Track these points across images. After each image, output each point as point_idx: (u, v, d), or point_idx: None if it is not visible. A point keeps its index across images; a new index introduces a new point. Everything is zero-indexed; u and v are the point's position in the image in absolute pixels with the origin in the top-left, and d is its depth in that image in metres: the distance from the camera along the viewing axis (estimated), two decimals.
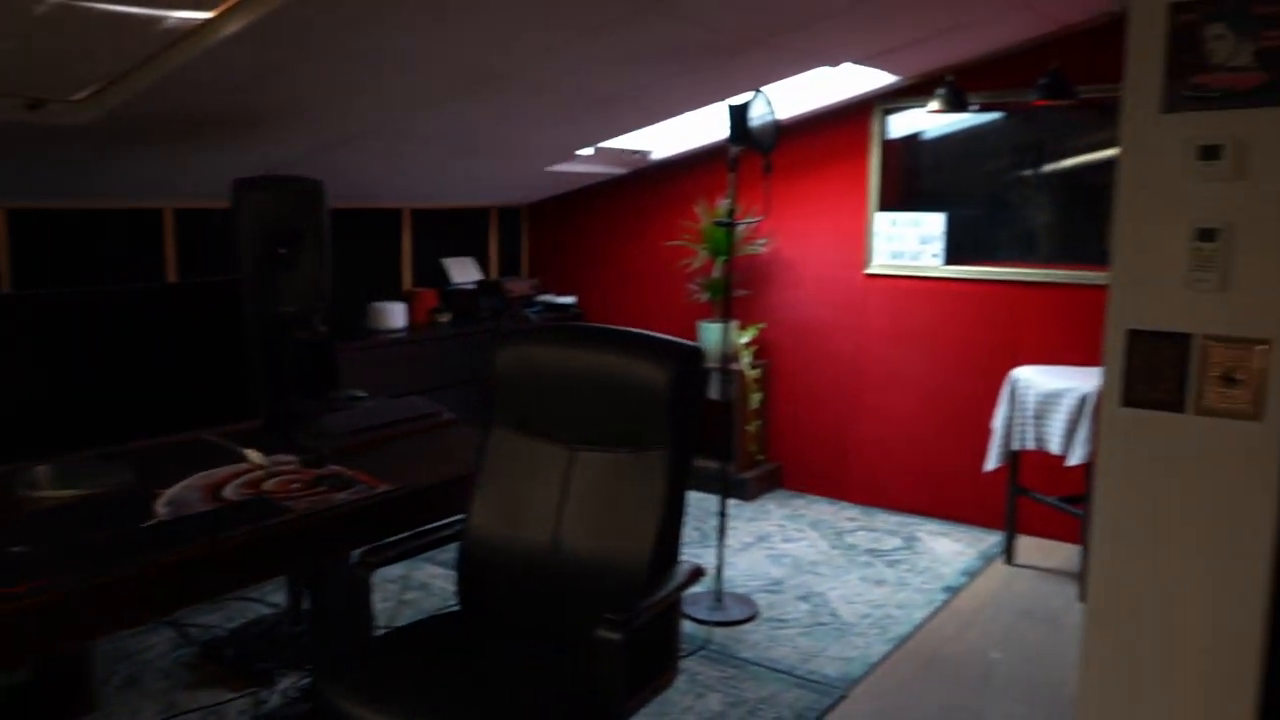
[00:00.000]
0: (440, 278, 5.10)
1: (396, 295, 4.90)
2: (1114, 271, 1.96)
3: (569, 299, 5.36)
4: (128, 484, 2.22)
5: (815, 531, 4.27)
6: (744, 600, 3.49)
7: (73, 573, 1.70)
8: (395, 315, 4.58)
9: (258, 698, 2.81)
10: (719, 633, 3.26)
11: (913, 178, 4.55)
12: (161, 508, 2.06)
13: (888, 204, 4.49)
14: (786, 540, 4.16)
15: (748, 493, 4.67)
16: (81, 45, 2.51)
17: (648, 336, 2.18)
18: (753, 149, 3.33)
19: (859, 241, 4.55)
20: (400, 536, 2.19)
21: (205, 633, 3.20)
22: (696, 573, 2.07)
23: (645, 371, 2.11)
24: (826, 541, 4.15)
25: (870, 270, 4.52)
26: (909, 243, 4.43)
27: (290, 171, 3.39)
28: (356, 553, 2.11)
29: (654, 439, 2.10)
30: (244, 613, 3.35)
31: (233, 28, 2.45)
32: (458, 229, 5.28)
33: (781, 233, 4.73)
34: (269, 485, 2.22)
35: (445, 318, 4.83)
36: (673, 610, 2.07)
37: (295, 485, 2.22)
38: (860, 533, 4.26)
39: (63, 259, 3.68)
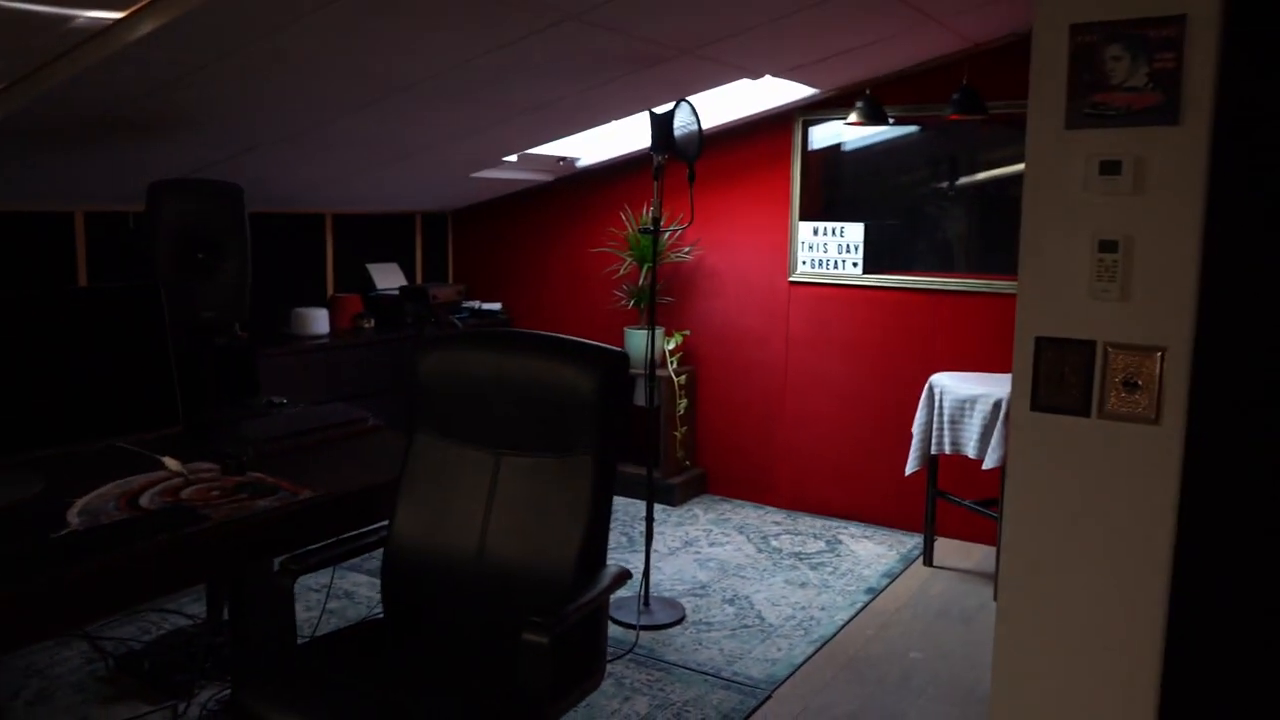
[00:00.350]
0: (365, 283, 5.05)
1: (319, 301, 4.85)
2: (1021, 281, 2.05)
3: (495, 305, 5.36)
4: (38, 493, 2.16)
5: (741, 535, 4.34)
6: (671, 604, 3.53)
7: None
8: (318, 321, 4.53)
9: (176, 711, 2.76)
10: (646, 636, 3.29)
11: (833, 188, 4.66)
12: (74, 517, 2.01)
13: (809, 213, 4.59)
14: (713, 544, 4.21)
15: (674, 498, 4.72)
16: None
17: (573, 342, 2.20)
18: (677, 157, 3.38)
19: (782, 250, 4.64)
20: (323, 544, 2.18)
21: (120, 646, 3.12)
22: (623, 576, 2.10)
23: (571, 376, 2.13)
24: (752, 545, 4.21)
25: (793, 278, 4.62)
26: (830, 251, 4.53)
27: (209, 176, 3.34)
28: (278, 561, 2.09)
29: (580, 444, 2.12)
30: (161, 625, 3.27)
31: (144, 29, 2.41)
32: (382, 235, 5.24)
33: (706, 241, 4.80)
34: (187, 493, 2.19)
35: (369, 324, 4.79)
36: (599, 613, 2.09)
37: (215, 493, 2.19)
38: (785, 536, 4.34)
39: None
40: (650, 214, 4.50)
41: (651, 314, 3.56)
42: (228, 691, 2.84)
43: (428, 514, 2.22)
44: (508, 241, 5.45)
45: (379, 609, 3.45)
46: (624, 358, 2.18)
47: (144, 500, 2.13)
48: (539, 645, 1.81)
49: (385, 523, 2.29)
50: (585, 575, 2.07)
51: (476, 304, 5.29)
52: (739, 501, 4.83)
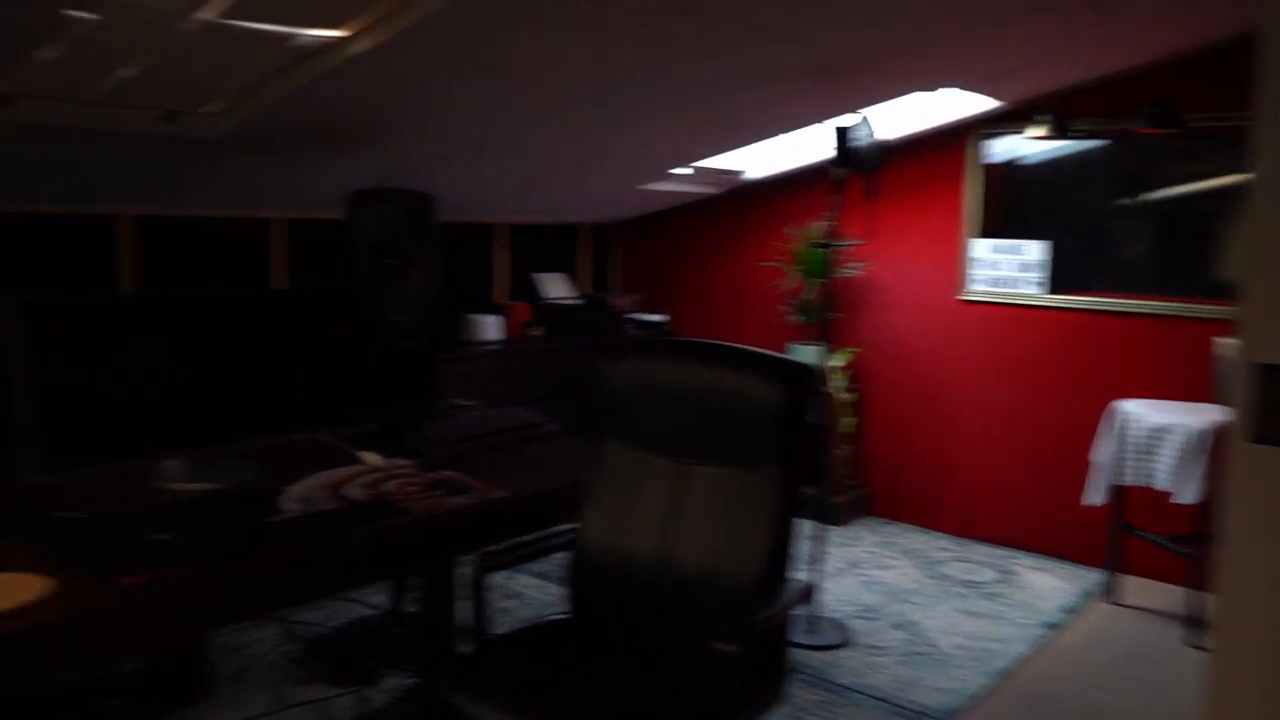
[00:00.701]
0: (531, 292, 5.21)
1: (490, 308, 5.03)
2: (1243, 303, 1.94)
3: (660, 317, 5.42)
4: (255, 480, 2.33)
5: (908, 560, 4.24)
6: (837, 625, 3.49)
7: (204, 563, 1.79)
8: (491, 328, 4.69)
9: (362, 695, 2.91)
10: (814, 657, 3.26)
11: (1011, 203, 4.52)
12: (287, 504, 2.15)
13: (986, 229, 4.46)
14: (879, 567, 4.14)
15: (839, 518, 4.66)
16: (218, 60, 2.65)
17: (759, 354, 2.22)
18: (856, 171, 3.35)
19: (954, 267, 4.53)
20: (514, 542, 2.26)
21: (308, 630, 3.31)
22: (807, 591, 2.09)
23: (757, 388, 2.15)
24: (920, 570, 4.12)
25: (965, 296, 4.50)
26: (1008, 269, 4.39)
27: (399, 185, 3.52)
28: (472, 557, 2.18)
29: (764, 456, 2.13)
30: (344, 612, 3.46)
31: (361, 46, 2.57)
32: (549, 245, 5.40)
33: (876, 256, 4.73)
34: (388, 487, 2.31)
35: (538, 331, 4.93)
36: (782, 629, 2.09)
37: (413, 488, 2.30)
38: (954, 563, 4.22)
39: (180, 264, 3.86)
40: (819, 228, 4.49)
41: (822, 330, 3.53)
42: (411, 680, 2.98)
43: (613, 519, 2.27)
44: (672, 253, 5.52)
45: (548, 610, 3.55)
46: (808, 371, 2.18)
47: (348, 491, 2.26)
48: (726, 654, 1.82)
49: (571, 525, 2.36)
50: (768, 588, 2.07)
51: (642, 315, 5.37)
52: (904, 525, 4.72)
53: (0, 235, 3.39)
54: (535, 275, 5.22)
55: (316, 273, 4.29)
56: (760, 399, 2.14)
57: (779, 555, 2.11)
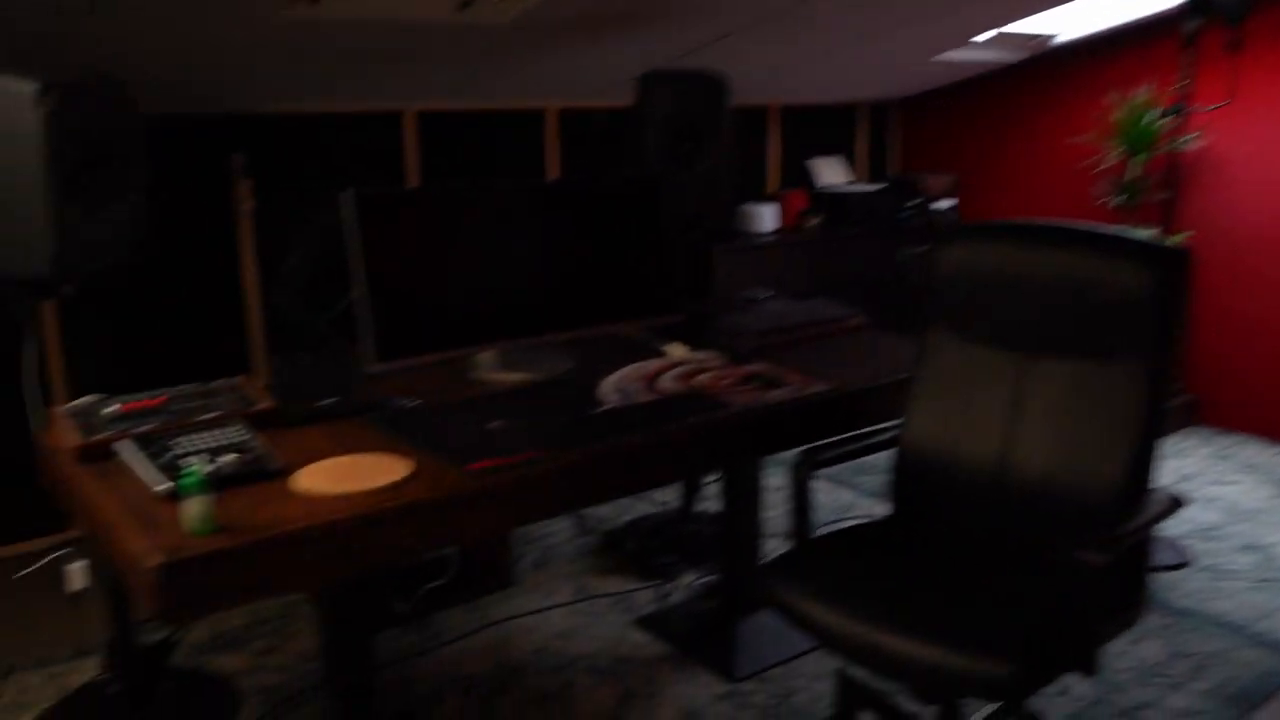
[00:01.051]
0: (805, 179, 5.10)
1: (762, 197, 4.97)
2: None
3: (946, 203, 5.16)
4: (569, 371, 2.43)
5: (1251, 476, 3.90)
6: (1172, 545, 3.27)
7: (543, 450, 1.88)
8: (766, 218, 4.64)
9: (661, 590, 3.03)
10: (1149, 577, 3.07)
11: None
12: (607, 395, 2.23)
13: None
14: (1215, 482, 3.83)
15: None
16: None
17: (1124, 236, 2.05)
18: (1216, 21, 2.99)
19: None
20: (838, 439, 2.24)
21: (600, 523, 3.48)
22: (1174, 503, 1.95)
23: (1121, 273, 1.98)
24: (1267, 489, 3.77)
25: None
26: None
27: (676, 67, 3.49)
28: (795, 453, 2.18)
29: (1126, 349, 1.98)
30: (631, 509, 3.60)
31: None
32: (823, 128, 5.23)
33: (1218, 126, 4.25)
34: (699, 380, 2.34)
35: (814, 221, 4.83)
36: (1145, 544, 1.97)
37: (726, 381, 2.32)
38: None
39: (457, 158, 4.04)
40: (1146, 95, 4.08)
41: (1163, 212, 3.22)
42: (709, 577, 3.07)
43: (943, 417, 2.20)
44: (960, 133, 5.20)
45: (845, 515, 3.56)
46: (1186, 255, 1.99)
47: (662, 384, 2.31)
48: (1094, 566, 1.73)
49: (892, 424, 2.31)
50: (1129, 498, 1.95)
51: (922, 201, 5.14)
52: (1242, 436, 4.33)
53: (303, 134, 3.66)
54: (810, 161, 5.10)
55: (588, 163, 4.36)
56: (1122, 285, 1.98)
57: (1142, 461, 1.96)
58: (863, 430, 2.30)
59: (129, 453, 1.75)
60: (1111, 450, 1.98)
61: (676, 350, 2.54)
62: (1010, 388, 2.13)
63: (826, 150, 5.22)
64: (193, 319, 3.54)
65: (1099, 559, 1.73)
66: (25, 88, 1.95)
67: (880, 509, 3.57)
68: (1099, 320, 2.01)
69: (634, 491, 2.03)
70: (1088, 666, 1.80)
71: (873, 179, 5.47)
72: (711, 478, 3.72)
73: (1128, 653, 2.67)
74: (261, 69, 3.21)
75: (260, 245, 3.62)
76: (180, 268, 3.48)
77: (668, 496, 3.70)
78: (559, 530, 3.46)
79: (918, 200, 3.35)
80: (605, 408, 2.13)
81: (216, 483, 1.68)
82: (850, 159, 5.32)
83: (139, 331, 3.43)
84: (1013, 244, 2.16)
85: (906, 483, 2.25)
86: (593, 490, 1.95)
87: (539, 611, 2.93)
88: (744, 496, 2.69)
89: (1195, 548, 3.28)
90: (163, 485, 1.65)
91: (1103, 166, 4.48)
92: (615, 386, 2.29)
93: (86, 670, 2.62)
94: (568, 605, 2.97)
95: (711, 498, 3.66)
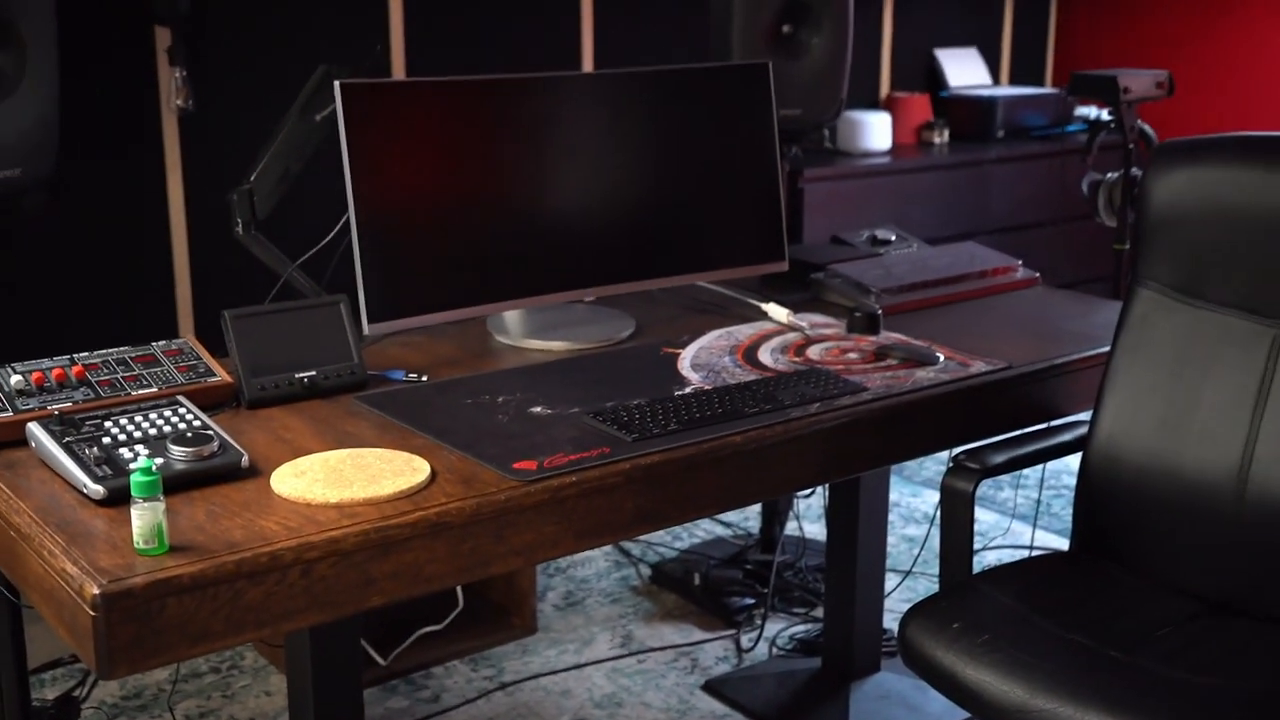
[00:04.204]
0: (931, 79, 5.06)
1: (871, 103, 4.93)
2: None
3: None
4: (632, 338, 2.40)
5: None
6: None
7: (620, 448, 1.85)
8: (874, 132, 4.60)
9: (739, 644, 3.02)
10: None
11: None
12: (688, 371, 2.21)
13: None
14: None
15: None
16: None
17: None
18: None
19: None
20: (1004, 438, 2.22)
21: (646, 551, 3.48)
22: None
23: None
24: None
25: None
26: None
27: None
28: (950, 455, 2.16)
29: None
30: (692, 530, 3.60)
31: None
32: (954, 9, 5.19)
33: None
34: (816, 354, 2.31)
35: (941, 137, 4.79)
36: None
37: (852, 356, 2.30)
38: None
39: (455, 40, 4.01)
40: None
41: None
42: (806, 627, 3.07)
43: (1157, 411, 2.17)
44: (1147, 17, 5.15)
45: (995, 544, 3.54)
46: None
47: (765, 357, 2.29)
48: None
49: (1078, 418, 2.29)
50: None
51: (1094, 113, 5.08)
52: None
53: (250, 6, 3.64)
54: (937, 53, 5.05)
55: (631, 49, 4.33)
56: None
57: None
58: (1036, 428, 2.28)
59: (45, 440, 1.74)
60: None
61: (778, 313, 2.51)
62: (1259, 371, 2.09)
63: (957, 41, 5.18)
64: (102, 261, 3.53)
65: None
66: None
67: (1039, 537, 3.57)
68: None
69: (738, 505, 2.00)
70: None
71: (1017, 81, 5.42)
72: (804, 492, 3.72)
73: None
74: None
75: (194, 158, 3.60)
76: (87, 189, 3.46)
77: (737, 517, 3.70)
78: (594, 559, 3.45)
79: (1110, 109, 3.28)
80: (692, 388, 2.11)
81: (166, 483, 1.67)
82: (990, 53, 5.28)
83: (33, 276, 3.43)
84: (1271, 166, 2.11)
85: (1097, 502, 2.23)
86: (685, 501, 1.91)
87: (572, 669, 2.94)
88: (865, 516, 2.68)
89: None
90: (97, 486, 1.63)
91: None
92: (696, 360, 2.27)
93: None
94: (610, 661, 2.97)
95: (799, 517, 3.65)
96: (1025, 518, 3.73)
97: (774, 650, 3.01)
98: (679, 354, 2.31)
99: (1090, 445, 2.23)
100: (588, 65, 4.27)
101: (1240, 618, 2.06)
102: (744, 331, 2.45)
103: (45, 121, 2.21)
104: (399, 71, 3.91)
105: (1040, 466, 2.33)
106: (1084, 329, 2.51)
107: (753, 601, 3.17)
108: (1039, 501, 3.83)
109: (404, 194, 2.23)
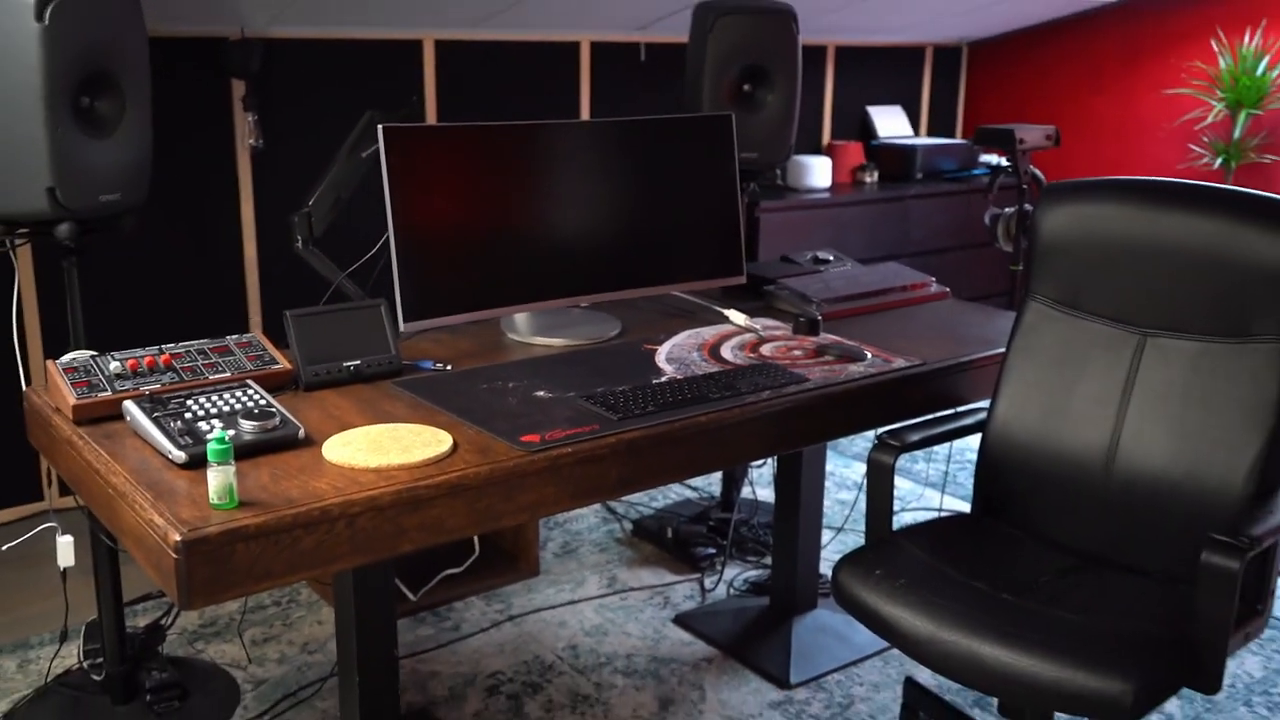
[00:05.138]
0: (863, 130, 5.05)
1: (816, 149, 4.92)
2: None
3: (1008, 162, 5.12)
4: (619, 336, 2.39)
5: None
6: None
7: (608, 425, 1.85)
8: (818, 172, 4.59)
9: (703, 585, 3.01)
10: None
11: None
12: (664, 363, 2.20)
13: None
14: None
15: None
16: None
17: (1266, 197, 2.00)
18: None
19: None
20: (921, 420, 2.21)
21: (630, 510, 3.47)
22: None
23: (1266, 241, 1.94)
24: None
25: None
26: None
27: None
28: (875, 434, 2.15)
29: (1267, 328, 1.94)
30: (663, 494, 3.59)
31: None
32: (883, 73, 5.17)
33: None
34: (767, 351, 2.31)
35: (871, 177, 4.78)
36: (1275, 545, 1.94)
37: (797, 353, 2.29)
38: None
39: (479, 93, 3.99)
40: (1260, 39, 4.01)
41: None
42: (757, 572, 3.06)
43: (1042, 400, 2.16)
44: (1036, 82, 5.14)
45: (911, 507, 3.53)
46: None
47: (726, 353, 2.28)
48: (1225, 570, 1.70)
49: (979, 405, 2.29)
50: (1261, 494, 1.92)
51: (995, 160, 5.09)
52: None
53: (311, 62, 3.61)
54: (870, 109, 5.04)
55: (625, 103, 4.31)
56: (1268, 254, 1.93)
57: (1276, 453, 1.93)
58: (945, 413, 2.27)
59: (138, 415, 1.72)
60: (1242, 440, 1.95)
61: (736, 316, 2.51)
62: (1125, 369, 2.09)
63: (885, 99, 5.17)
64: (185, 270, 3.51)
65: (1232, 564, 1.70)
66: None
67: (947, 501, 3.57)
68: (1238, 294, 1.97)
69: (701, 472, 1.99)
70: (1210, 683, 1.78)
71: (934, 133, 5.42)
72: (758, 463, 3.71)
73: (1227, 668, 2.65)
74: None
75: (263, 187, 3.58)
76: (171, 212, 3.44)
77: (702, 483, 3.69)
78: (586, 516, 3.44)
79: (1007, 156, 3.28)
80: (666, 377, 2.10)
81: (236, 451, 1.66)
82: (911, 109, 5.27)
83: (132, 282, 3.40)
84: (1137, 204, 2.11)
85: (994, 474, 2.22)
86: (659, 469, 1.90)
87: (567, 605, 2.92)
88: (806, 483, 2.67)
89: None
90: (180, 452, 1.62)
91: (1205, 124, 4.43)
92: (670, 355, 2.26)
93: (68, 656, 2.61)
94: (598, 598, 2.96)
95: (753, 484, 3.65)
96: (935, 486, 3.73)
97: (731, 591, 3.00)
98: (656, 350, 2.30)
99: (988, 427, 2.22)
100: (585, 115, 4.26)
101: (1105, 568, 2.06)
102: (709, 332, 2.44)
103: (140, 157, 2.19)
104: (431, 118, 3.89)
105: (948, 444, 2.32)
106: (985, 334, 2.50)
107: (714, 551, 3.16)
108: (946, 473, 3.83)
109: (433, 218, 2.22)
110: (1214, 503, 1.95)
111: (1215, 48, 4.37)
